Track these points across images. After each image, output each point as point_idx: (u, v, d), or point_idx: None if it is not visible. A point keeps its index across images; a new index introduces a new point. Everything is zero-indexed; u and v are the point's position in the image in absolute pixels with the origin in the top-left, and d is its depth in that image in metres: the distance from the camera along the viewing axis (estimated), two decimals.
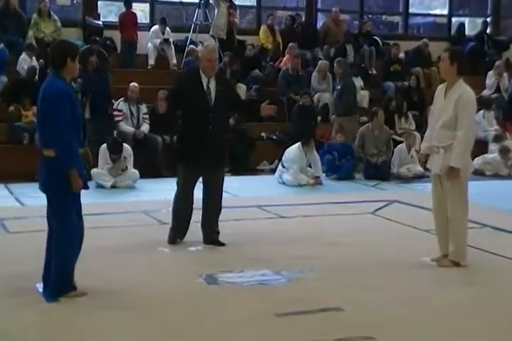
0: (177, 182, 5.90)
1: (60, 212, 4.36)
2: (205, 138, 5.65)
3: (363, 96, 12.15)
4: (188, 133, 5.78)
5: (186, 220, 5.87)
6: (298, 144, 9.51)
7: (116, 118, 10.17)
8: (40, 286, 4.51)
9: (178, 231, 5.89)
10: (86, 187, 4.41)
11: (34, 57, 11.02)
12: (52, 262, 4.37)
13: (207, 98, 5.69)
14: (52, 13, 11.95)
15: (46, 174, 4.36)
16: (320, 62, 12.33)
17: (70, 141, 4.28)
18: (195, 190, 5.87)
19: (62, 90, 4.32)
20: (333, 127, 10.69)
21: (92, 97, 10.26)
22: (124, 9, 12.60)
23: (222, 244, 5.85)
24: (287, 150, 9.62)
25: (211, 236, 5.89)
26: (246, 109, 6.55)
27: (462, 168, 5.16)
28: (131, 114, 10.21)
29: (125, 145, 9.11)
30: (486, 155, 10.82)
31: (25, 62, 10.95)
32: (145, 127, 10.21)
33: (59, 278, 4.36)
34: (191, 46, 12.16)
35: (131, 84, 10.35)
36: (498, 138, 11.26)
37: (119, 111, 10.22)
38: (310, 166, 9.58)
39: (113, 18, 13.04)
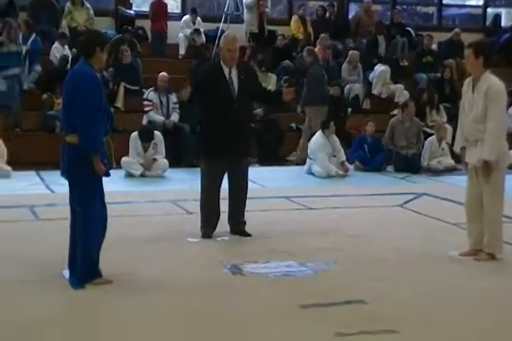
0: (201, 175, 5.83)
1: (83, 198, 4.37)
2: (229, 128, 5.59)
3: (400, 92, 11.98)
4: (211, 124, 5.72)
5: (215, 213, 5.81)
6: (319, 132, 9.49)
7: (146, 108, 10.20)
8: (66, 273, 4.56)
9: (209, 225, 5.81)
10: (107, 175, 4.42)
11: (66, 46, 11.14)
12: (77, 249, 4.41)
13: (230, 88, 5.64)
14: (85, 1, 12.05)
15: (69, 159, 4.36)
16: (350, 52, 12.22)
17: (94, 127, 4.28)
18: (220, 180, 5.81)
19: (91, 74, 4.35)
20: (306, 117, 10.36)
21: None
22: None
23: (249, 235, 5.84)
24: (310, 141, 9.57)
25: (237, 226, 5.88)
26: (270, 98, 6.35)
27: (496, 159, 5.09)
28: (161, 103, 10.21)
29: (156, 132, 9.16)
30: None
31: (58, 50, 11.09)
32: (175, 117, 10.20)
33: (85, 265, 4.39)
34: None
35: (161, 73, 10.33)
36: None
37: (149, 101, 10.25)
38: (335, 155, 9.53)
39: (146, 8, 13.11)
